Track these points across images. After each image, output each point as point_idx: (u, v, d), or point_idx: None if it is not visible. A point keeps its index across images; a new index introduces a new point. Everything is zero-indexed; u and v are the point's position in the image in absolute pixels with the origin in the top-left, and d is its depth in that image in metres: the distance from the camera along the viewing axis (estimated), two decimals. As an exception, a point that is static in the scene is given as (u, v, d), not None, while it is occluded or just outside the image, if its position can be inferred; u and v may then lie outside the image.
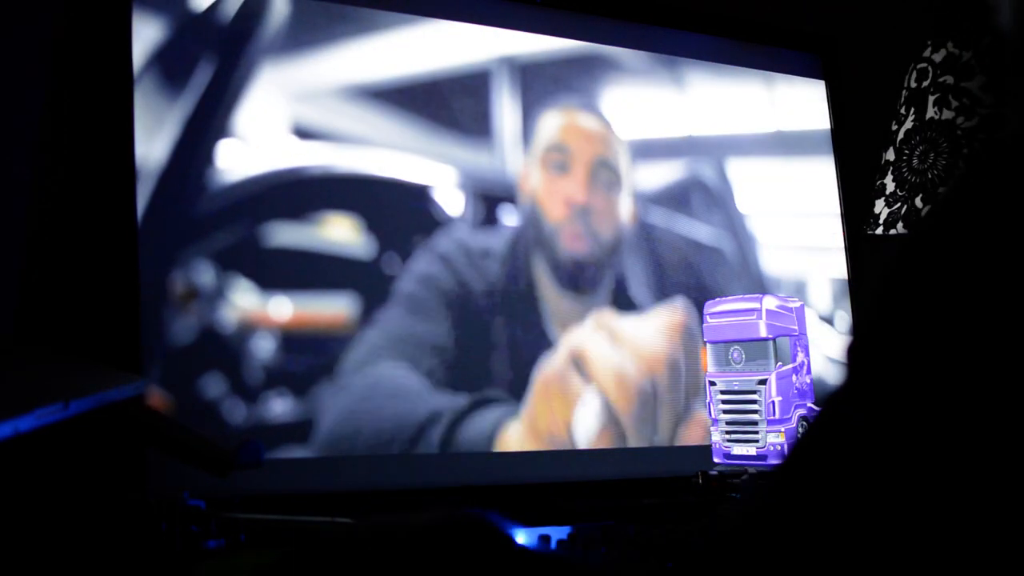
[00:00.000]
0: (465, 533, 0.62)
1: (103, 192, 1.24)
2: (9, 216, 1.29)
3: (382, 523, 0.65)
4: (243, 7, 1.34)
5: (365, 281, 1.37)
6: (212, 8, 1.32)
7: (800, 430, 1.55)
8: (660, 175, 1.61)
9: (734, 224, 1.66)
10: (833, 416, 0.55)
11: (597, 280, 1.45)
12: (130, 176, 1.23)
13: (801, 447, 0.57)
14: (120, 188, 1.23)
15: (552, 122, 1.47)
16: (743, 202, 1.68)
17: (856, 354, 0.54)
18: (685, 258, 1.60)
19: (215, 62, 1.31)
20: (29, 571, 0.95)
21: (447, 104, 1.46)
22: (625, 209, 1.48)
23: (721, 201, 1.66)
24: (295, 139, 1.35)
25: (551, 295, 1.44)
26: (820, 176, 1.78)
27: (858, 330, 0.55)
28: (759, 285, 1.66)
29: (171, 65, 1.28)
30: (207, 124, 1.29)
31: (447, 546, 0.61)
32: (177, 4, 1.30)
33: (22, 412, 0.83)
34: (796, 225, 1.76)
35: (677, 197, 1.62)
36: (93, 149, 1.25)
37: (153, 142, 1.26)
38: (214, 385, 1.26)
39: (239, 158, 1.31)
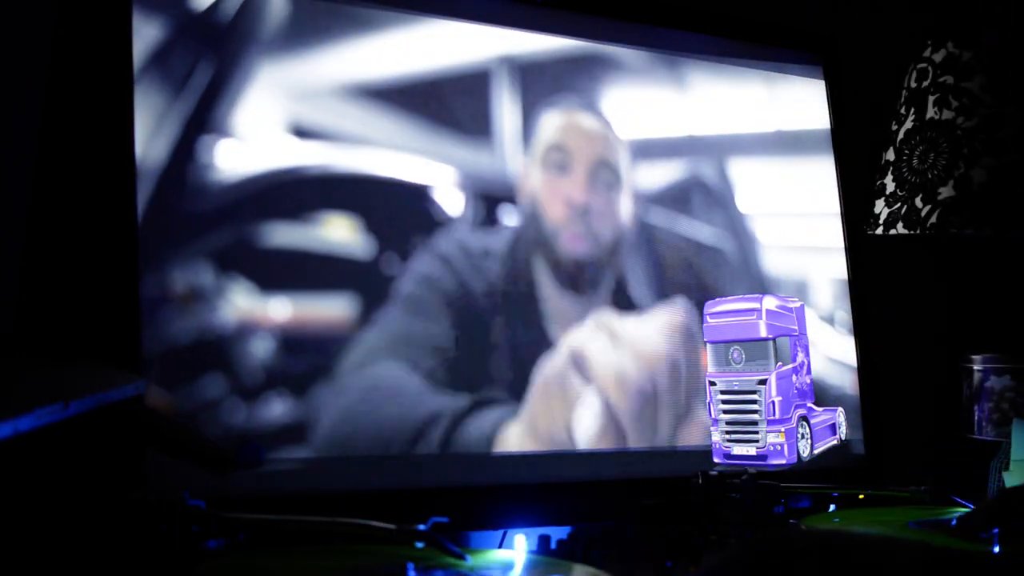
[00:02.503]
0: None
1: (103, 192, 1.24)
2: (9, 216, 1.29)
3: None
4: (243, 6, 1.33)
5: (364, 282, 1.37)
6: (212, 7, 1.31)
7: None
8: (661, 175, 1.61)
9: (735, 224, 1.66)
10: None
11: (597, 280, 1.44)
12: (130, 176, 1.23)
13: None
14: (120, 188, 1.23)
15: (552, 122, 1.47)
16: (744, 202, 1.68)
17: None
18: (686, 258, 1.60)
19: (215, 61, 1.31)
20: (29, 571, 0.95)
21: (447, 104, 1.46)
22: (625, 209, 1.48)
23: (722, 201, 1.66)
24: (294, 138, 1.35)
25: (551, 295, 1.44)
26: (820, 176, 1.77)
27: None
28: (760, 285, 1.66)
29: (171, 64, 1.28)
30: (207, 123, 1.29)
31: None
32: (177, 3, 1.30)
33: (22, 412, 0.83)
34: (796, 225, 1.76)
35: (678, 197, 1.62)
36: (93, 149, 1.25)
37: (153, 141, 1.26)
38: (213, 385, 1.26)
39: (239, 157, 1.31)
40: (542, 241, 1.43)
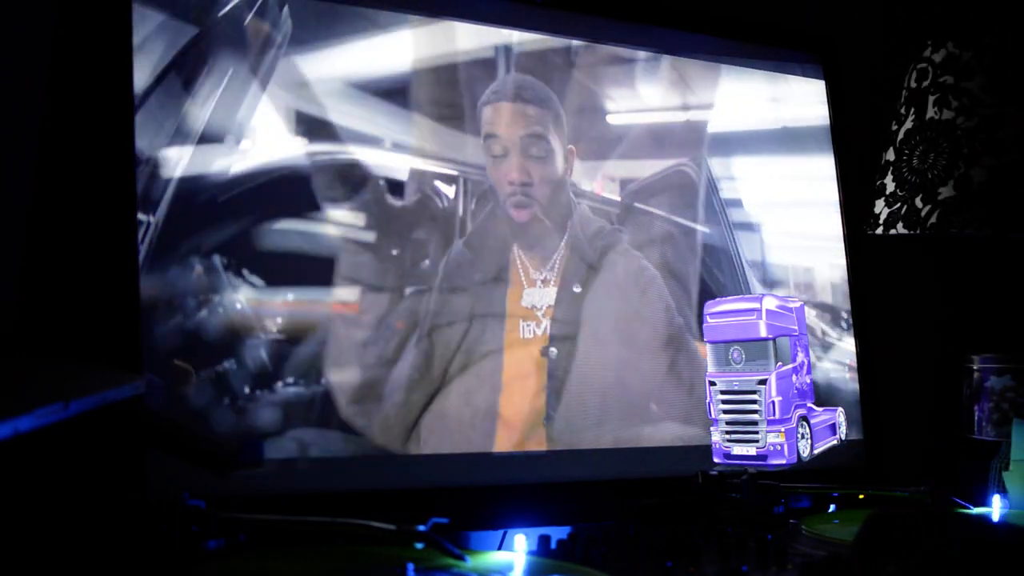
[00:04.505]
0: None
1: (103, 192, 1.24)
2: (9, 216, 1.30)
3: None
4: (245, 4, 1.34)
5: (369, 272, 1.37)
6: (212, 5, 1.32)
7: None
8: (655, 169, 1.62)
9: (730, 221, 1.67)
10: None
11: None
12: (130, 175, 1.23)
13: None
14: (120, 188, 1.23)
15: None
16: (743, 199, 1.68)
17: None
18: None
19: (217, 59, 1.31)
20: (29, 571, 0.95)
21: (449, 98, 1.47)
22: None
23: (714, 197, 1.66)
24: (297, 134, 1.36)
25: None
26: (820, 175, 1.77)
27: None
28: (758, 282, 1.66)
29: (171, 62, 1.28)
30: (208, 121, 1.29)
31: None
32: (177, 1, 1.30)
33: (22, 412, 0.83)
34: (796, 223, 1.76)
35: (673, 194, 1.63)
36: (93, 149, 1.25)
37: (154, 140, 1.26)
38: (214, 384, 1.26)
39: (239, 155, 1.31)
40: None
